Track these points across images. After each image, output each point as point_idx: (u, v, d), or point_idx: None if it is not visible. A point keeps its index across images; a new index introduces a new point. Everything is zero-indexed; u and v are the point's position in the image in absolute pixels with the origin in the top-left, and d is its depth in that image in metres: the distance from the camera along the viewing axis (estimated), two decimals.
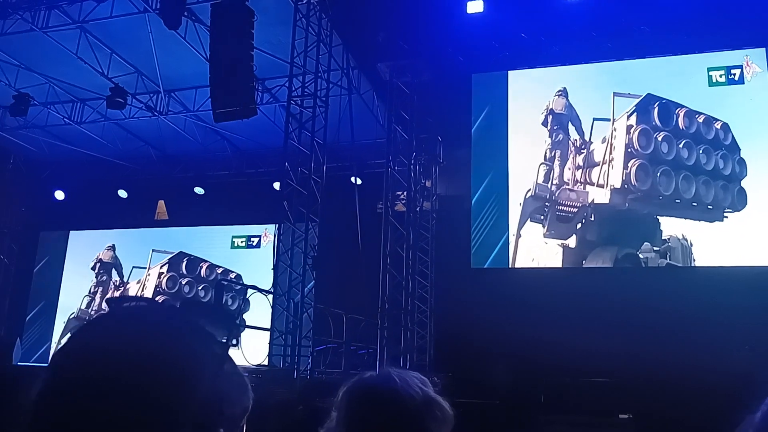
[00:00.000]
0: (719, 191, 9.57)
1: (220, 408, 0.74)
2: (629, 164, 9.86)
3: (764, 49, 9.68)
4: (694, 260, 9.51)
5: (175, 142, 13.42)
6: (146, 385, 0.69)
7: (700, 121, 9.81)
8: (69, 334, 0.78)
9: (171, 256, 14.31)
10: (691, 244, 9.50)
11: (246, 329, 8.13)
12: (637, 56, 10.11)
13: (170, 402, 0.69)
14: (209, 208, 13.72)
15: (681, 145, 9.80)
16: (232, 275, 13.67)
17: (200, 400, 0.71)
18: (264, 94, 11.55)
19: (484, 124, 10.78)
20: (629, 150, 9.91)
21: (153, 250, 14.46)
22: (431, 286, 10.73)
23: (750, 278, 8.69)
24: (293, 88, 9.03)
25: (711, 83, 9.84)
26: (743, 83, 9.72)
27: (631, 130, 9.95)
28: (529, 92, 10.73)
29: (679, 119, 9.86)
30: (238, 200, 13.40)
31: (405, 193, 10.55)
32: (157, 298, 13.98)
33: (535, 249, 10.09)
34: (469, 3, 9.59)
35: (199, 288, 13.98)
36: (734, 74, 9.76)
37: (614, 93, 10.15)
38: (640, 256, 9.66)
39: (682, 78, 10.05)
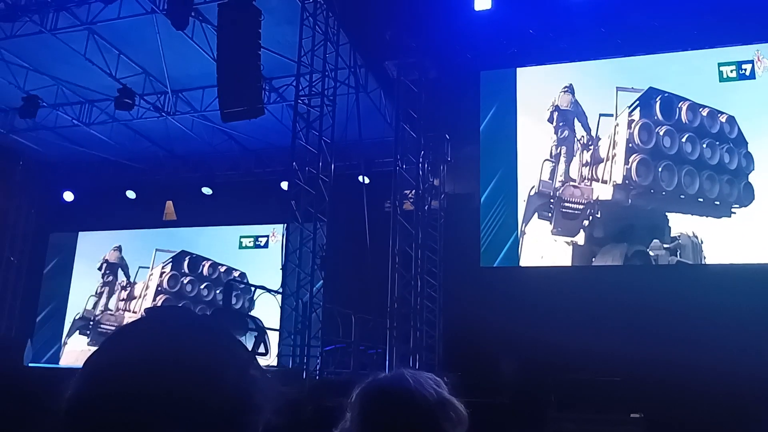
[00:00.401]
0: (724, 186, 9.45)
1: (244, 411, 0.76)
2: (630, 159, 9.78)
3: None
4: (705, 258, 9.41)
5: (182, 142, 13.45)
6: (175, 387, 0.72)
7: (704, 114, 9.69)
8: (103, 340, 0.82)
9: (173, 255, 14.35)
10: (702, 242, 9.41)
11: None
12: (646, 52, 10.02)
13: (196, 404, 0.72)
14: (217, 208, 13.74)
15: (684, 140, 9.67)
16: (236, 273, 13.69)
17: (225, 403, 0.74)
18: (271, 93, 11.55)
19: (493, 122, 10.72)
20: (630, 145, 9.83)
21: (156, 250, 14.51)
22: (440, 285, 10.70)
23: (762, 276, 8.59)
24: (300, 88, 9.02)
25: (722, 79, 9.73)
26: (754, 78, 9.61)
27: (632, 125, 9.87)
28: (538, 89, 10.67)
29: (682, 113, 9.75)
30: (246, 200, 13.41)
31: (413, 191, 10.52)
32: (158, 298, 14.03)
33: (545, 246, 10.03)
34: (476, 0, 9.53)
35: (202, 287, 13.99)
36: (745, 69, 9.65)
37: (617, 88, 10.07)
38: (651, 253, 9.58)
39: (693, 74, 9.96)
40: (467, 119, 10.78)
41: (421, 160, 10.66)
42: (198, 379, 0.73)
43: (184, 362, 0.74)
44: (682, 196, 9.54)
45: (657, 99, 9.85)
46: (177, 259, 14.31)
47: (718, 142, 9.59)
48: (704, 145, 9.62)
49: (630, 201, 9.71)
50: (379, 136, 11.15)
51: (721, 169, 9.53)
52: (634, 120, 9.88)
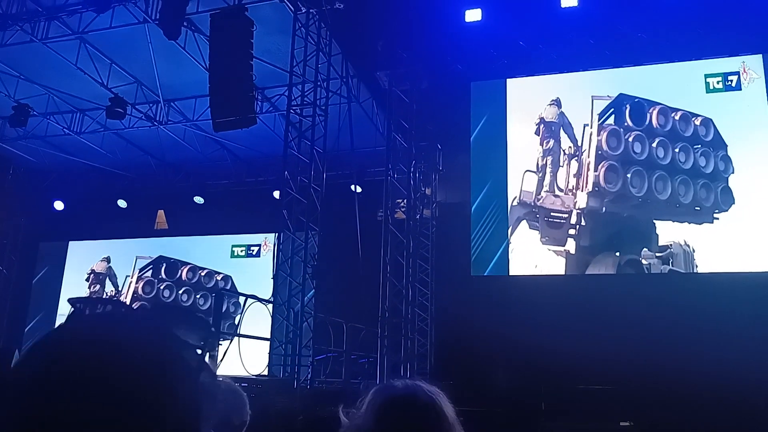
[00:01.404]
0: (700, 191, 9.43)
1: (196, 422, 0.68)
2: (599, 166, 9.85)
3: (761, 55, 9.70)
4: (697, 266, 9.46)
5: (174, 151, 13.44)
6: (112, 397, 0.63)
7: (677, 118, 9.72)
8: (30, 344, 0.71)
9: (151, 260, 14.26)
10: (694, 250, 9.46)
11: (245, 338, 8.10)
12: (634, 63, 10.14)
13: (137, 415, 0.63)
14: (209, 217, 13.71)
15: (655, 144, 9.71)
16: (218, 277, 13.61)
17: (172, 414, 0.65)
18: (263, 103, 11.58)
19: (483, 132, 10.80)
20: (599, 152, 9.90)
21: (137, 257, 14.42)
22: (431, 294, 10.71)
23: (753, 284, 8.66)
24: (293, 97, 9.04)
25: (708, 90, 9.85)
26: (740, 89, 9.74)
27: (602, 132, 9.96)
28: (528, 100, 10.76)
29: (653, 117, 9.80)
30: (238, 209, 13.40)
31: (405, 200, 10.55)
32: (134, 305, 13.93)
33: (538, 255, 10.08)
34: (467, 12, 9.64)
35: (180, 292, 13.88)
36: (731, 81, 9.78)
37: (593, 96, 10.15)
38: (643, 262, 9.61)
39: (680, 85, 10.07)
40: (458, 129, 10.86)
41: (412, 169, 10.69)
42: (134, 384, 0.64)
43: (118, 366, 0.64)
44: (660, 203, 9.57)
45: (626, 105, 9.94)
46: (154, 265, 14.22)
47: (692, 145, 9.59)
48: (677, 150, 9.61)
49: (604, 208, 9.76)
50: (370, 145, 11.20)
51: (696, 173, 9.51)
52: (603, 127, 9.99)
